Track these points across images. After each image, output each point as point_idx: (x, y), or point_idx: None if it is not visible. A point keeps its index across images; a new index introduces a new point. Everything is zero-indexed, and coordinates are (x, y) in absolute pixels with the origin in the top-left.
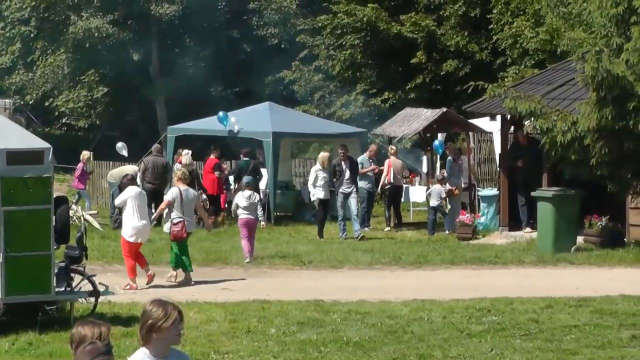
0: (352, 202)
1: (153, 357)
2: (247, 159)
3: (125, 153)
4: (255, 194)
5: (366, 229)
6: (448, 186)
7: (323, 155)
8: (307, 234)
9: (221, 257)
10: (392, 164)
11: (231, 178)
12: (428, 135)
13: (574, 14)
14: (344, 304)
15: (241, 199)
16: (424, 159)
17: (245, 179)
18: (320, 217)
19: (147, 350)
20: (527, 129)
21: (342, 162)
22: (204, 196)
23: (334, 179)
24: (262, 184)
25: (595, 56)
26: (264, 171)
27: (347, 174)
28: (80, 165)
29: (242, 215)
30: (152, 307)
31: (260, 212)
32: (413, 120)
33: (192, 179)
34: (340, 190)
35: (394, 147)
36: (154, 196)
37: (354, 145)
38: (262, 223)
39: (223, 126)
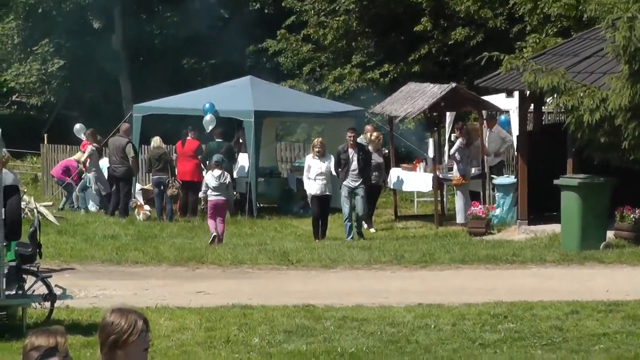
0: (359, 200)
1: None
2: (220, 140)
3: (84, 136)
4: (226, 173)
5: (372, 230)
6: (454, 173)
7: (318, 140)
8: (295, 228)
9: (196, 255)
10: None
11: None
12: (435, 114)
13: None
14: (338, 309)
15: (210, 178)
16: (430, 142)
17: (215, 157)
18: (315, 215)
19: None
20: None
21: (350, 149)
22: (179, 183)
23: (339, 169)
24: (238, 171)
25: (627, 23)
26: (244, 156)
27: (355, 163)
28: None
29: (211, 196)
30: (114, 319)
31: (232, 192)
32: (417, 97)
33: (164, 165)
34: (345, 183)
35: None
36: (117, 182)
37: (348, 126)
38: (236, 198)
39: (203, 111)
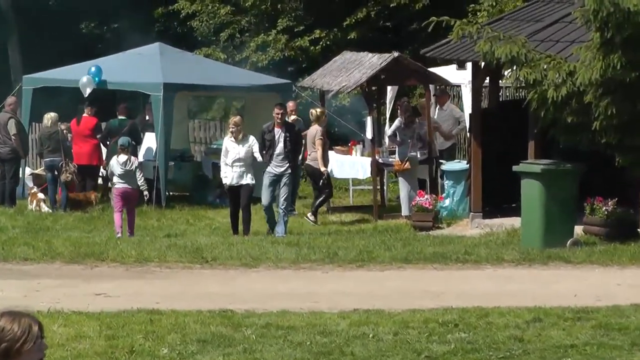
0: (282, 190)
1: None
2: (123, 117)
3: (88, 91)
4: (134, 158)
5: (294, 212)
6: (394, 158)
7: (234, 120)
8: (211, 220)
9: (95, 252)
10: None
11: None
12: (374, 88)
13: None
14: (261, 315)
15: (116, 165)
16: (368, 120)
17: (121, 140)
18: (231, 208)
19: None
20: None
21: (276, 129)
22: (75, 167)
23: (263, 152)
24: (145, 153)
25: None
26: (151, 136)
27: (280, 146)
28: None
29: (118, 184)
30: (5, 323)
31: (141, 180)
32: (353, 68)
33: (56, 146)
34: (268, 168)
35: (316, 110)
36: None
37: (273, 102)
38: (146, 193)
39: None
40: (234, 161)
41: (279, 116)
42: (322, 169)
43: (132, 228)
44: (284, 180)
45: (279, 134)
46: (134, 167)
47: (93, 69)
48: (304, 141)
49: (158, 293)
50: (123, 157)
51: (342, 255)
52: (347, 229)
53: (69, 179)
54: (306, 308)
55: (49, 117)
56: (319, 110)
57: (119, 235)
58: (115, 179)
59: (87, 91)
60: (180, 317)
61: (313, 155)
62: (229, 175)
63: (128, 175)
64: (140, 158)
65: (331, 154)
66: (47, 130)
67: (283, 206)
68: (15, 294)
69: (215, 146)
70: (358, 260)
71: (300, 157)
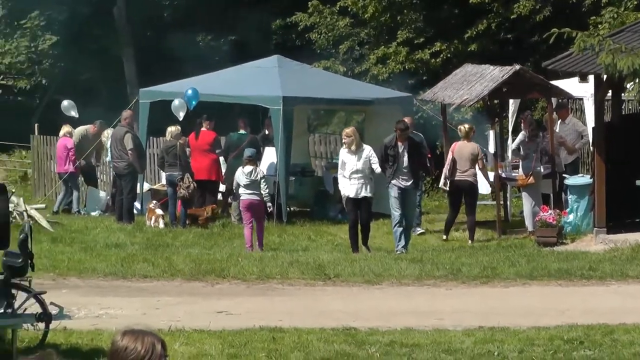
0: (408, 202)
1: None
2: (243, 132)
3: (74, 113)
4: (259, 169)
5: (419, 229)
6: (517, 172)
7: (346, 130)
8: (333, 236)
9: (215, 269)
10: (455, 150)
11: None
12: (496, 102)
13: None
14: (384, 333)
15: (241, 175)
16: (490, 134)
17: (247, 151)
18: (351, 222)
19: None
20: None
21: (399, 143)
22: (190, 182)
23: (387, 165)
24: (265, 168)
25: None
26: (271, 151)
27: (405, 159)
28: (63, 142)
29: (244, 196)
30: (128, 342)
31: (265, 191)
32: (475, 81)
33: (174, 160)
34: (394, 182)
35: (465, 127)
36: (114, 179)
37: (394, 116)
38: (269, 204)
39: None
40: (352, 173)
41: (399, 130)
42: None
43: (260, 241)
44: (410, 194)
45: (402, 148)
46: (259, 177)
47: (190, 91)
48: (429, 155)
49: (280, 310)
50: (249, 168)
51: (466, 271)
52: (470, 245)
53: (182, 194)
54: (430, 325)
55: (170, 130)
56: (467, 126)
57: (250, 249)
58: (241, 190)
59: (181, 115)
60: (303, 335)
61: (471, 171)
62: (348, 187)
63: (254, 186)
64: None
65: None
66: (167, 144)
67: (410, 222)
68: (134, 311)
69: (335, 160)
70: (482, 277)
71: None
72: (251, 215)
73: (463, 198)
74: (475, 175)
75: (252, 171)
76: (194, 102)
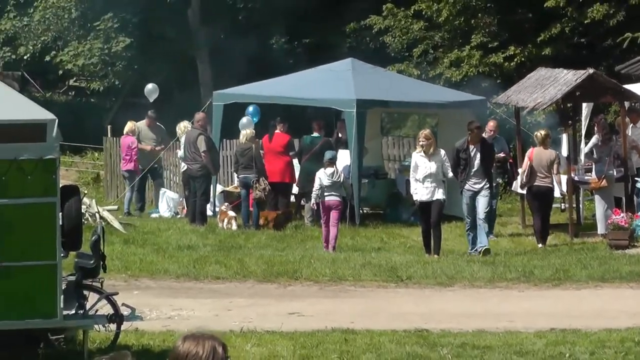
0: (481, 201)
1: None
2: (316, 135)
3: (151, 98)
4: (340, 171)
5: (491, 236)
6: (590, 176)
7: (424, 133)
8: (405, 239)
9: (288, 270)
10: (533, 157)
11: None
12: (569, 105)
13: None
14: (456, 334)
15: (323, 177)
16: (564, 137)
17: (328, 154)
18: (424, 226)
19: None
20: None
21: (470, 146)
22: (266, 184)
23: (458, 169)
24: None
25: None
26: (345, 153)
27: (477, 162)
28: (126, 140)
29: (325, 197)
30: (189, 347)
31: (344, 193)
32: (548, 85)
33: (249, 162)
34: (467, 187)
35: (541, 133)
36: (187, 181)
37: (467, 119)
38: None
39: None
40: (425, 177)
41: (473, 133)
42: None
43: (334, 242)
44: (483, 193)
45: (474, 151)
46: (340, 178)
47: (251, 108)
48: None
49: (352, 312)
50: (330, 169)
51: (538, 274)
52: (541, 248)
53: (258, 196)
54: (502, 327)
55: (245, 133)
56: (543, 132)
57: (327, 249)
58: (322, 191)
59: (152, 97)
60: (375, 336)
61: (549, 178)
62: (420, 191)
63: (335, 187)
64: None
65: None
66: (242, 146)
67: (482, 217)
68: (207, 313)
69: (408, 163)
70: (554, 279)
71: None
72: (329, 216)
73: (542, 202)
74: (552, 181)
75: (333, 173)
76: (254, 119)
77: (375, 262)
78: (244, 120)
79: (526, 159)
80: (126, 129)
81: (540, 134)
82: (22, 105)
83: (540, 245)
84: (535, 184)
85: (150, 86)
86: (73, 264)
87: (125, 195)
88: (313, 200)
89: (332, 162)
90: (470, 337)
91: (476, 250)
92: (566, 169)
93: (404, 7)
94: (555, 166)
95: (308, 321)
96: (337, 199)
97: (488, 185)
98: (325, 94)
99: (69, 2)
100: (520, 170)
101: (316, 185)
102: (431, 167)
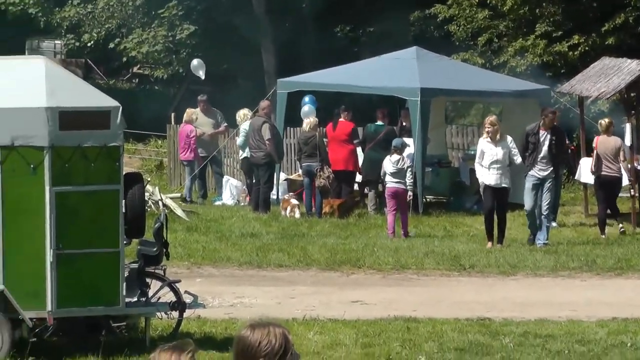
0: (545, 196)
1: None
2: (380, 123)
3: (202, 74)
4: (406, 158)
5: (553, 224)
6: None
7: (489, 119)
8: (468, 227)
9: (351, 259)
10: (598, 144)
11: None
12: (633, 95)
13: None
14: (518, 323)
15: (389, 164)
16: (627, 127)
17: (396, 141)
18: (488, 209)
19: None
20: None
21: (541, 131)
22: (330, 172)
23: (526, 153)
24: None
25: None
26: (409, 142)
27: (545, 149)
28: (184, 129)
29: (390, 184)
30: (260, 337)
31: (410, 180)
32: (612, 74)
33: (313, 151)
34: (531, 172)
35: (605, 121)
36: (250, 169)
37: (531, 108)
38: (410, 194)
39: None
40: (491, 163)
41: (546, 119)
42: (626, 179)
43: (405, 228)
44: (547, 185)
45: (544, 136)
46: (405, 166)
47: (307, 98)
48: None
49: (415, 301)
50: (396, 157)
51: (601, 263)
52: (604, 238)
53: (322, 184)
54: (564, 316)
55: (309, 121)
56: (606, 120)
57: (392, 236)
58: (387, 178)
59: (201, 73)
60: (437, 325)
61: (617, 165)
62: (487, 176)
63: (400, 174)
64: None
65: (589, 160)
66: (305, 134)
67: (545, 213)
68: (269, 300)
69: (472, 152)
70: (616, 269)
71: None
72: (395, 202)
73: (608, 191)
74: (620, 169)
75: (399, 160)
76: (313, 107)
77: (438, 251)
78: (306, 108)
79: (594, 148)
80: (185, 117)
81: (604, 121)
82: (86, 92)
83: (602, 235)
84: (603, 173)
85: (195, 62)
86: (136, 251)
87: (186, 184)
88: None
89: (398, 149)
90: (533, 326)
91: (537, 242)
92: (630, 158)
93: None
94: (621, 153)
95: (371, 309)
96: (402, 186)
97: (554, 175)
98: (389, 82)
99: None
100: (581, 160)
101: (382, 172)
102: (497, 153)
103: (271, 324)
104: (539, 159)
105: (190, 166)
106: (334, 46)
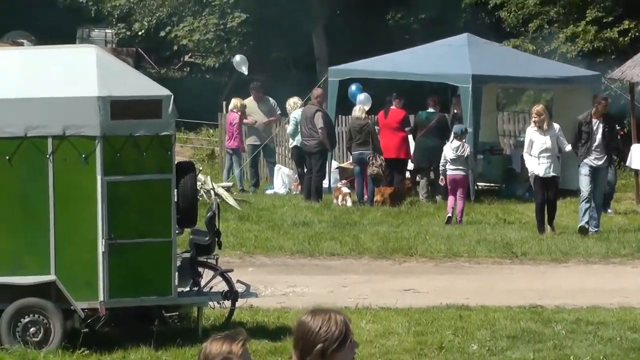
0: (600, 184)
1: None
2: (432, 110)
3: (244, 69)
4: (467, 145)
5: (609, 211)
6: None
7: (536, 109)
8: (520, 215)
9: (403, 247)
10: None
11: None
12: None
13: None
14: (570, 310)
15: (449, 150)
16: None
17: (456, 127)
18: (539, 201)
19: None
20: None
21: (593, 119)
22: (382, 160)
23: (579, 143)
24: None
25: None
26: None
27: (599, 137)
28: (231, 117)
29: (449, 170)
30: (319, 322)
31: (470, 168)
32: None
33: (365, 138)
34: (586, 160)
35: None
36: (301, 157)
37: (582, 95)
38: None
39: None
40: (541, 152)
41: (599, 106)
42: None
43: (461, 215)
44: (602, 173)
45: (596, 125)
46: (465, 153)
47: (353, 87)
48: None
49: (467, 288)
50: (456, 143)
51: None
52: None
53: (375, 172)
54: (616, 303)
55: (361, 109)
56: None
57: (449, 214)
58: (448, 165)
59: (243, 69)
60: (489, 313)
61: None
62: (536, 166)
63: (459, 161)
64: None
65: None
66: (357, 122)
67: (599, 201)
68: (321, 289)
69: (523, 139)
70: None
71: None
72: (453, 188)
73: None
74: None
75: (459, 147)
76: (360, 90)
77: (490, 239)
78: (361, 96)
79: None
80: (230, 105)
81: None
82: (138, 81)
83: None
84: None
85: (237, 58)
86: (188, 240)
87: (234, 172)
88: (441, 168)
89: (459, 135)
90: (585, 313)
91: (590, 229)
92: None
93: None
94: None
95: (423, 297)
96: (462, 173)
97: (608, 163)
98: (440, 69)
99: None
100: (632, 147)
101: (442, 159)
102: (546, 142)
103: (332, 310)
104: (593, 148)
105: (235, 154)
106: (385, 33)
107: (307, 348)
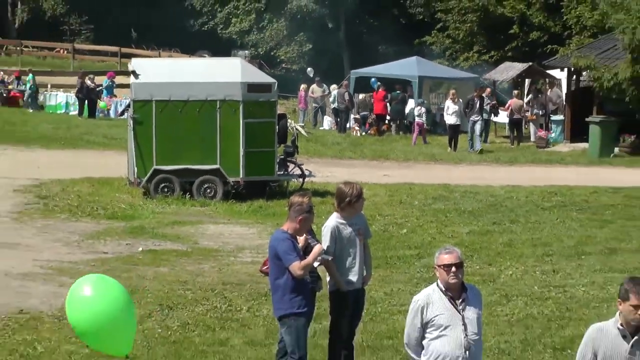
0: (477, 126)
1: (343, 219)
2: (398, 92)
3: (311, 74)
4: (423, 107)
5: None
6: (528, 113)
7: (452, 91)
8: (439, 141)
9: (384, 154)
10: (512, 103)
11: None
12: (519, 80)
13: (618, 2)
14: (463, 186)
15: (417, 110)
16: (514, 93)
17: (417, 100)
18: (450, 135)
19: (339, 215)
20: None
21: (475, 98)
22: (374, 116)
23: (467, 109)
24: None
25: (632, 30)
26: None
27: (477, 107)
28: (301, 93)
29: (417, 119)
30: (348, 188)
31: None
32: (509, 70)
33: (365, 106)
34: (471, 118)
35: (515, 92)
36: (336, 113)
37: (470, 86)
38: None
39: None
40: (452, 112)
41: (478, 91)
42: None
43: (415, 142)
44: (477, 124)
45: (477, 101)
46: (422, 111)
47: (372, 79)
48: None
49: (413, 176)
50: (420, 107)
51: (502, 158)
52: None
53: (370, 121)
54: (484, 184)
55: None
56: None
57: (415, 142)
58: (415, 117)
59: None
60: (424, 187)
61: None
62: (449, 118)
63: (420, 115)
64: None
65: None
66: (363, 99)
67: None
68: (345, 175)
69: (443, 106)
70: (509, 162)
71: None
72: (418, 129)
73: None
74: None
75: (420, 108)
76: (377, 84)
77: (423, 151)
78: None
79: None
80: (302, 87)
81: (515, 92)
82: (260, 75)
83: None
84: (514, 117)
85: (309, 68)
86: (282, 150)
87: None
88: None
89: (420, 103)
90: (469, 188)
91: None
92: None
93: (442, 32)
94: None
95: (392, 179)
96: (420, 120)
97: (481, 118)
98: (403, 72)
99: (282, 27)
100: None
101: (412, 115)
102: (455, 107)
103: (353, 182)
104: (474, 112)
105: (303, 111)
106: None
107: (341, 199)
